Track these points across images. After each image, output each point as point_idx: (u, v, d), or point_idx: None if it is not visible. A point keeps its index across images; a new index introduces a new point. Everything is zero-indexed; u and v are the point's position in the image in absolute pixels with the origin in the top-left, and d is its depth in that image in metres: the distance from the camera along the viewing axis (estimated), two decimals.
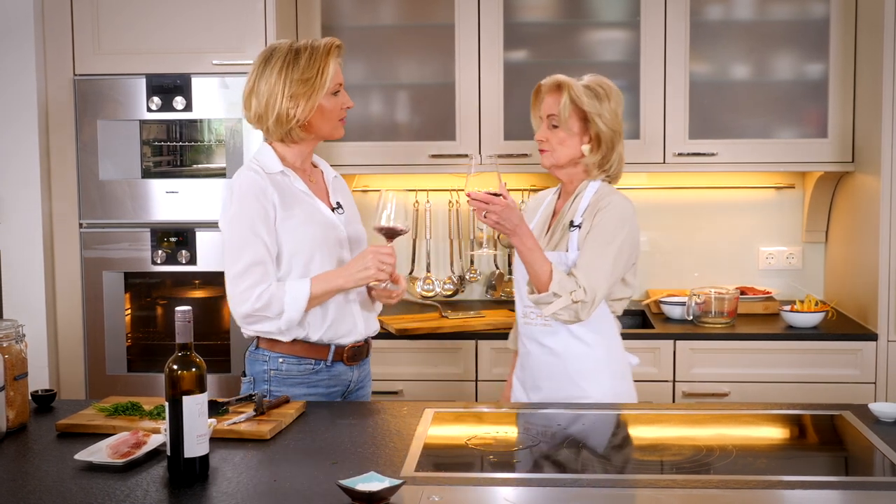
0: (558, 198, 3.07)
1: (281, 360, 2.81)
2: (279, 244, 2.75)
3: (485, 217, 2.75)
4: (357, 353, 2.89)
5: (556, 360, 2.91)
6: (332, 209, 2.88)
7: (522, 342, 3.00)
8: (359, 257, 2.75)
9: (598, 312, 2.87)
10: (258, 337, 2.83)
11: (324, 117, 2.79)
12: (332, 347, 2.83)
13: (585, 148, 2.92)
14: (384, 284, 2.79)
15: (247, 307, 2.70)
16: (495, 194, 2.74)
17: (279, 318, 2.71)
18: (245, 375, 2.89)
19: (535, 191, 4.44)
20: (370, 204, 3.24)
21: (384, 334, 2.99)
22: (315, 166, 2.96)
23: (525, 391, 3.02)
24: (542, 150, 2.98)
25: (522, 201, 4.44)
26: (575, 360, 2.89)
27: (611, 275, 2.82)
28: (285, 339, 2.78)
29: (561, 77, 2.95)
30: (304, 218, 2.78)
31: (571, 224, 2.89)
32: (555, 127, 2.94)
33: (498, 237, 4.43)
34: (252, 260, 2.70)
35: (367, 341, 2.94)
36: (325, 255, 2.79)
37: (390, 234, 2.77)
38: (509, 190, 4.36)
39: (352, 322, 2.85)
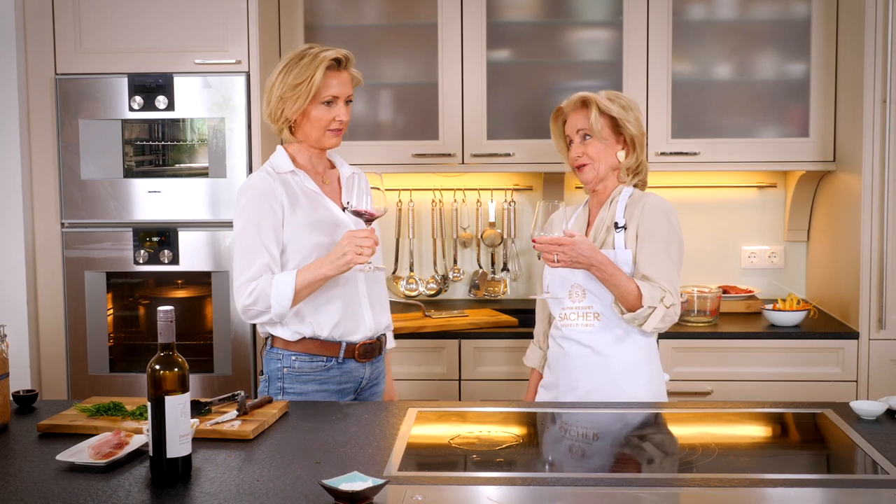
0: (589, 210, 3.09)
1: (294, 357, 2.89)
2: (285, 242, 2.83)
3: (556, 261, 2.77)
4: (369, 351, 2.95)
5: (598, 358, 2.93)
6: (343, 208, 2.93)
7: (559, 344, 3.02)
8: (338, 244, 2.76)
9: None
10: (272, 336, 2.92)
11: (311, 124, 2.87)
12: (343, 345, 2.89)
13: (621, 154, 2.99)
14: (369, 268, 2.76)
15: (240, 304, 2.81)
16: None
17: (268, 311, 2.78)
18: (262, 374, 2.97)
19: (519, 190, 4.46)
20: None
21: None
22: (333, 167, 3.03)
23: (555, 395, 3.03)
24: (581, 166, 3.02)
25: (506, 201, 4.45)
26: (617, 359, 2.91)
27: (678, 273, 2.90)
28: (290, 336, 2.86)
29: (585, 94, 3.01)
30: (311, 216, 2.86)
31: (616, 226, 2.93)
32: (586, 138, 2.99)
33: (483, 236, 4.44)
34: (250, 257, 2.79)
35: (379, 339, 3.00)
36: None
37: (361, 216, 2.76)
38: (493, 189, 4.43)
39: (360, 319, 2.92)
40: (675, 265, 2.89)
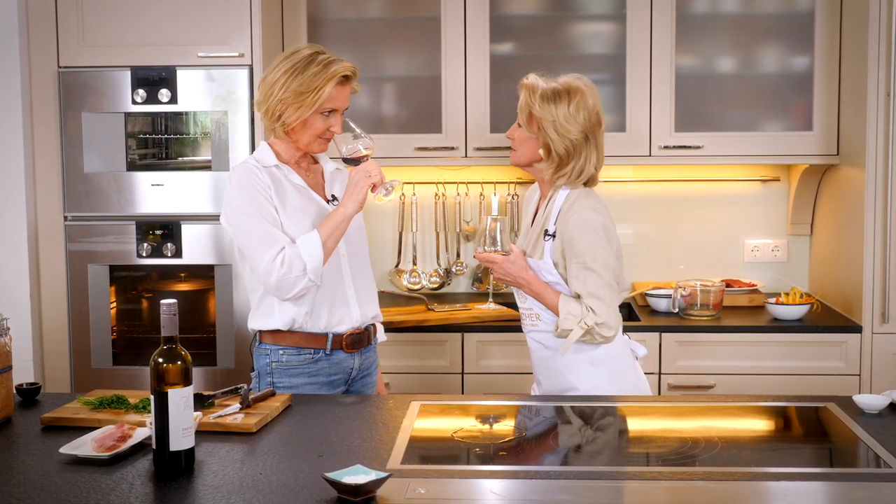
0: (540, 196, 3.04)
1: (281, 351, 2.89)
2: None
3: (491, 273, 2.93)
4: (357, 341, 2.95)
5: (548, 353, 2.92)
6: (328, 201, 2.95)
7: (527, 340, 3.02)
8: (347, 185, 2.84)
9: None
10: (259, 331, 2.92)
11: (305, 130, 2.87)
12: (330, 336, 2.89)
13: (542, 152, 2.87)
14: (383, 191, 2.84)
15: (274, 277, 2.77)
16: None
17: (305, 273, 2.77)
18: (253, 370, 2.97)
19: (522, 183, 4.46)
20: None
21: None
22: (316, 162, 3.03)
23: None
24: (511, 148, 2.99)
25: (510, 194, 4.45)
26: (563, 355, 2.88)
27: (611, 288, 2.81)
28: (282, 325, 2.86)
29: (528, 78, 2.91)
30: (297, 208, 2.86)
31: (546, 233, 2.88)
32: (520, 125, 2.92)
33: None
34: (266, 237, 2.79)
35: (367, 329, 3.00)
36: None
37: (356, 161, 2.85)
38: (496, 182, 4.43)
39: (346, 309, 2.92)
40: (602, 280, 2.77)
